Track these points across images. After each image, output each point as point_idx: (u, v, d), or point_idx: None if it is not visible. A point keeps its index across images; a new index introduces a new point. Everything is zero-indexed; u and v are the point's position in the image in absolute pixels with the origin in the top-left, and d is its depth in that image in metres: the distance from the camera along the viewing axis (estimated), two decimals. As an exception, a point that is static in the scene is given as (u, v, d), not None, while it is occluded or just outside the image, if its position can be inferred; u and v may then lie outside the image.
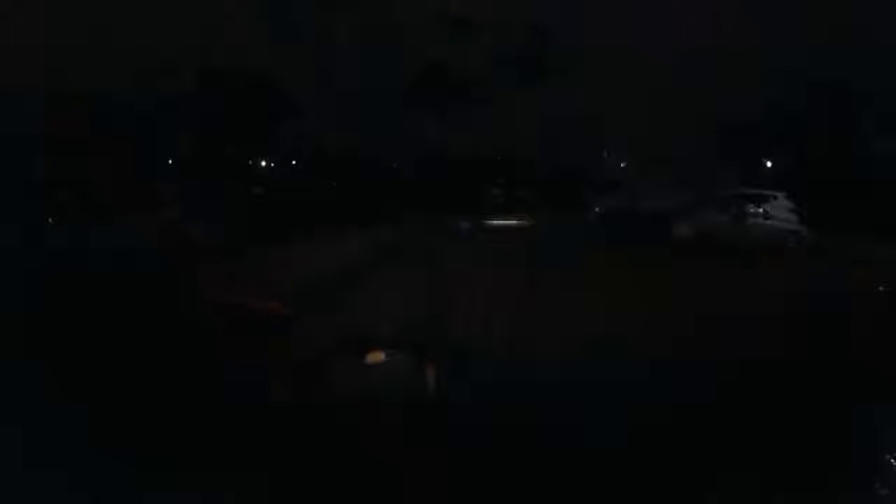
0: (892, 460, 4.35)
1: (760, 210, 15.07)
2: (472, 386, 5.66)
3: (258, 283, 9.11)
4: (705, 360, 6.64)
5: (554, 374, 6.13)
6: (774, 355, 6.89)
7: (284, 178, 33.29)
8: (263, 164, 35.15)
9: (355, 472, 3.68)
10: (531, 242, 17.21)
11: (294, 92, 31.01)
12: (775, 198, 15.57)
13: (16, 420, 4.08)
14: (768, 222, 15.03)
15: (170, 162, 28.36)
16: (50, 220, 13.57)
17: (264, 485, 3.64)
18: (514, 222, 23.16)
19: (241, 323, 7.19)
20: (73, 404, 4.53)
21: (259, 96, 28.84)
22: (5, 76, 15.87)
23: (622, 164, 38.49)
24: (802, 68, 25.35)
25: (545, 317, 8.30)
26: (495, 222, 22.83)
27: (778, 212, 15.28)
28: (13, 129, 11.92)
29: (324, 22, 30.81)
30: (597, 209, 26.99)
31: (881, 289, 9.49)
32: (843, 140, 26.13)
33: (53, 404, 4.47)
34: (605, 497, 3.95)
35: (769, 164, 28.81)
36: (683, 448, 4.50)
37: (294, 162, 35.30)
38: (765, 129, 27.58)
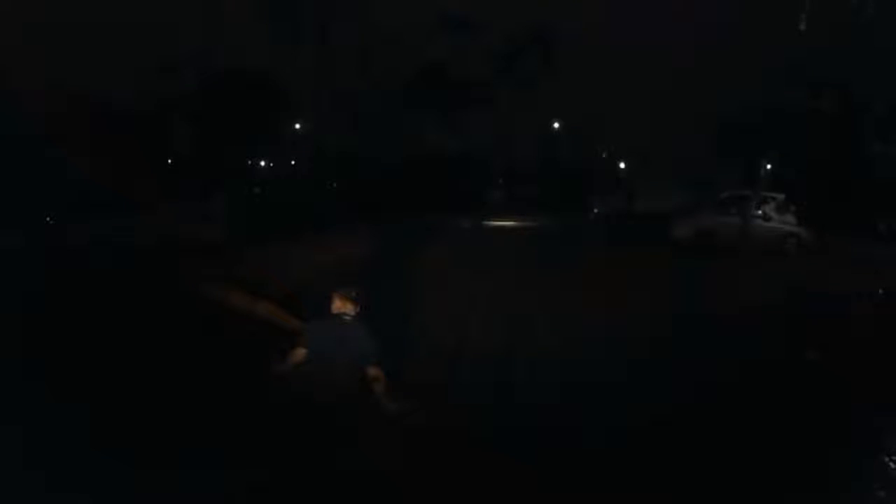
0: (892, 462, 4.36)
1: (760, 212, 15.06)
2: (472, 384, 5.67)
3: (255, 284, 9.10)
4: (705, 360, 6.65)
5: (553, 374, 6.13)
6: (774, 356, 6.90)
7: (284, 178, 33.30)
8: (263, 163, 35.17)
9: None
10: (530, 243, 17.22)
11: (294, 92, 31.04)
12: (774, 199, 15.57)
13: (16, 420, 4.08)
14: (768, 224, 15.03)
15: (169, 162, 28.36)
16: (49, 219, 13.56)
17: (263, 484, 3.64)
18: (513, 223, 23.14)
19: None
20: (73, 404, 4.53)
21: (259, 96, 28.82)
22: (5, 76, 15.86)
23: (622, 165, 38.49)
24: (802, 68, 25.35)
25: (544, 316, 8.30)
26: (495, 223, 22.82)
27: (777, 213, 15.29)
28: (13, 130, 11.91)
29: (324, 22, 30.79)
30: (596, 210, 27.01)
31: (881, 291, 9.49)
32: (844, 141, 26.14)
33: (53, 404, 4.47)
34: (605, 497, 3.94)
35: (769, 165, 28.81)
36: (683, 449, 4.51)
37: (294, 162, 35.31)
38: (765, 129, 27.59)
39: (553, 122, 37.83)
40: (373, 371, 3.70)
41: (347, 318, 3.82)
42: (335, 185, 31.72)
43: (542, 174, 36.30)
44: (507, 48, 33.81)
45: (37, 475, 3.56)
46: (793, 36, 16.94)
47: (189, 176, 25.52)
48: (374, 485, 3.76)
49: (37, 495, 3.46)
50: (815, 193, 22.27)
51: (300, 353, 3.71)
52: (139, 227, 12.58)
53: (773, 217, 15.16)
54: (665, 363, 6.44)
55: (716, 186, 19.89)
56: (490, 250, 14.72)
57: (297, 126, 33.63)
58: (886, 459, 4.40)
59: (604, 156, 39.45)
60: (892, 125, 25.45)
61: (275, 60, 31.01)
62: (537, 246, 16.36)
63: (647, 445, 4.47)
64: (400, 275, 10.93)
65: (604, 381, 5.82)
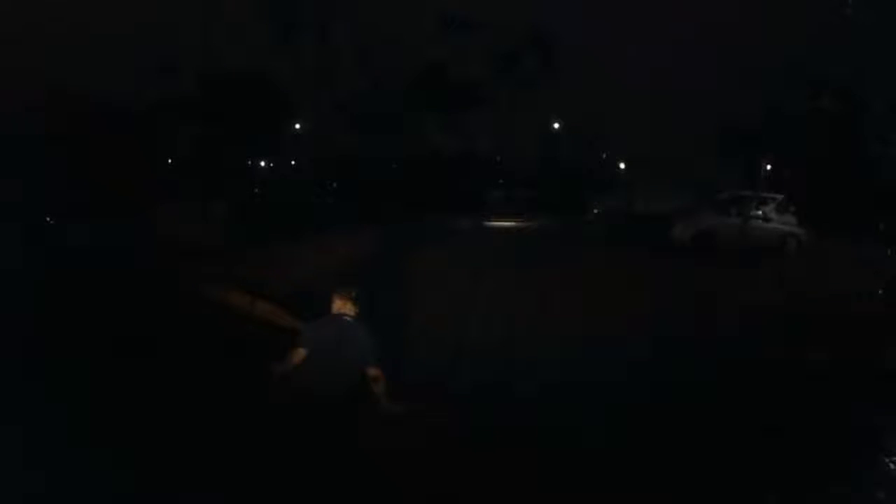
0: (892, 462, 4.36)
1: (760, 212, 15.05)
2: (472, 384, 5.67)
3: (255, 284, 9.12)
4: (705, 360, 6.65)
5: (553, 374, 6.14)
6: (774, 356, 6.90)
7: (284, 178, 33.31)
8: (263, 164, 35.16)
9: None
10: (530, 243, 17.20)
11: (294, 92, 31.03)
12: (774, 199, 15.57)
13: (16, 420, 4.08)
14: (768, 224, 15.01)
15: (169, 162, 28.32)
16: (49, 219, 13.54)
17: (263, 484, 3.64)
18: (513, 223, 23.13)
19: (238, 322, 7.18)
20: (72, 404, 4.53)
21: (259, 96, 28.80)
22: (5, 76, 15.87)
23: (622, 165, 38.45)
24: (802, 69, 25.39)
25: (544, 317, 8.30)
26: (495, 223, 22.81)
27: (777, 213, 15.28)
28: (13, 130, 11.92)
29: (324, 22, 30.82)
30: (596, 210, 26.97)
31: (880, 291, 9.50)
32: (844, 141, 26.14)
33: (53, 404, 4.47)
34: (605, 497, 3.95)
35: (769, 165, 28.85)
36: (682, 449, 4.51)
37: (294, 162, 35.30)
38: (765, 130, 27.60)
39: (553, 122, 37.82)
40: (373, 371, 3.71)
41: (347, 318, 3.82)
42: (335, 185, 31.72)
43: (542, 174, 36.28)
44: (507, 48, 33.80)
45: (36, 475, 3.56)
46: (793, 36, 16.94)
47: (189, 176, 25.48)
48: (374, 484, 3.77)
49: (37, 495, 3.46)
50: (815, 193, 22.26)
51: (300, 353, 3.71)
52: (139, 227, 12.57)
53: (772, 217, 15.14)
54: (665, 363, 6.45)
55: (716, 187, 19.85)
56: (490, 250, 14.71)
57: (297, 126, 33.62)
58: (886, 459, 4.40)
59: (604, 156, 39.43)
60: (893, 125, 25.47)
61: (275, 60, 30.98)
62: (537, 246, 16.35)
63: (647, 445, 4.47)
64: (400, 275, 10.94)
65: (604, 380, 5.83)
